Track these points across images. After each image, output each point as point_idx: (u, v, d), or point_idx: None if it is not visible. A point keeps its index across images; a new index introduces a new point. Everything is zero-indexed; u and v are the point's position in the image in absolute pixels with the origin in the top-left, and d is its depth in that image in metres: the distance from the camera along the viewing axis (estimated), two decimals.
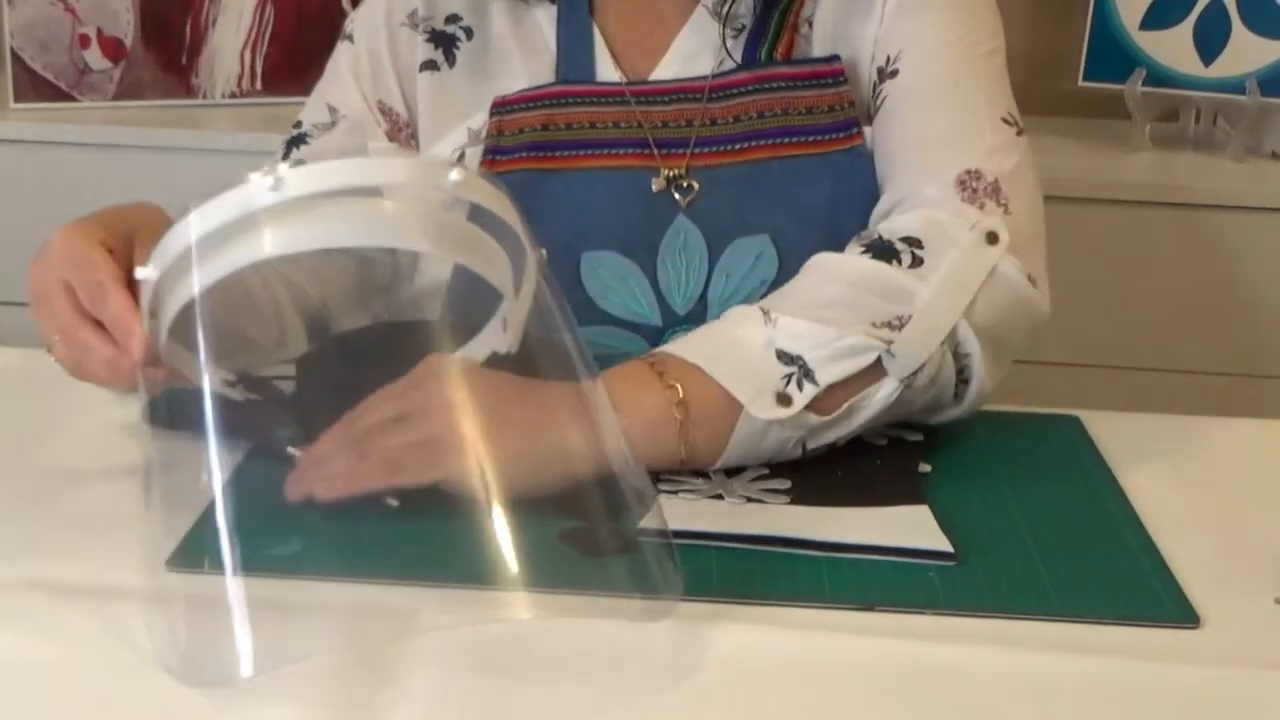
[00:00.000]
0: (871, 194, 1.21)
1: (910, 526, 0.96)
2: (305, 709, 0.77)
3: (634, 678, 0.81)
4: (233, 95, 2.27)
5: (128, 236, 0.98)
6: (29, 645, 0.82)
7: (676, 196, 1.23)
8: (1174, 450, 1.12)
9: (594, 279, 1.22)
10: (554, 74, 1.28)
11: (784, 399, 1.01)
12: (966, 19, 1.22)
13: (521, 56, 1.29)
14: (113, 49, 2.21)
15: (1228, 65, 2.21)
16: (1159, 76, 2.23)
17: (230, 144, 2.12)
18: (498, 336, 0.95)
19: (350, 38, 1.33)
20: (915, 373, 1.04)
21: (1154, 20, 2.24)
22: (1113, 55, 2.24)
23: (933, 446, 1.09)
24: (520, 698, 0.78)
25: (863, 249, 1.09)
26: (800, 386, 1.02)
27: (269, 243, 0.83)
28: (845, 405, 1.03)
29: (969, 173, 1.13)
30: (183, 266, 0.85)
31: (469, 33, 1.30)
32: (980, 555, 0.94)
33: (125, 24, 2.21)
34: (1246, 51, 2.20)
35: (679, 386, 1.01)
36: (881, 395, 1.04)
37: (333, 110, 1.32)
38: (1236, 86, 2.19)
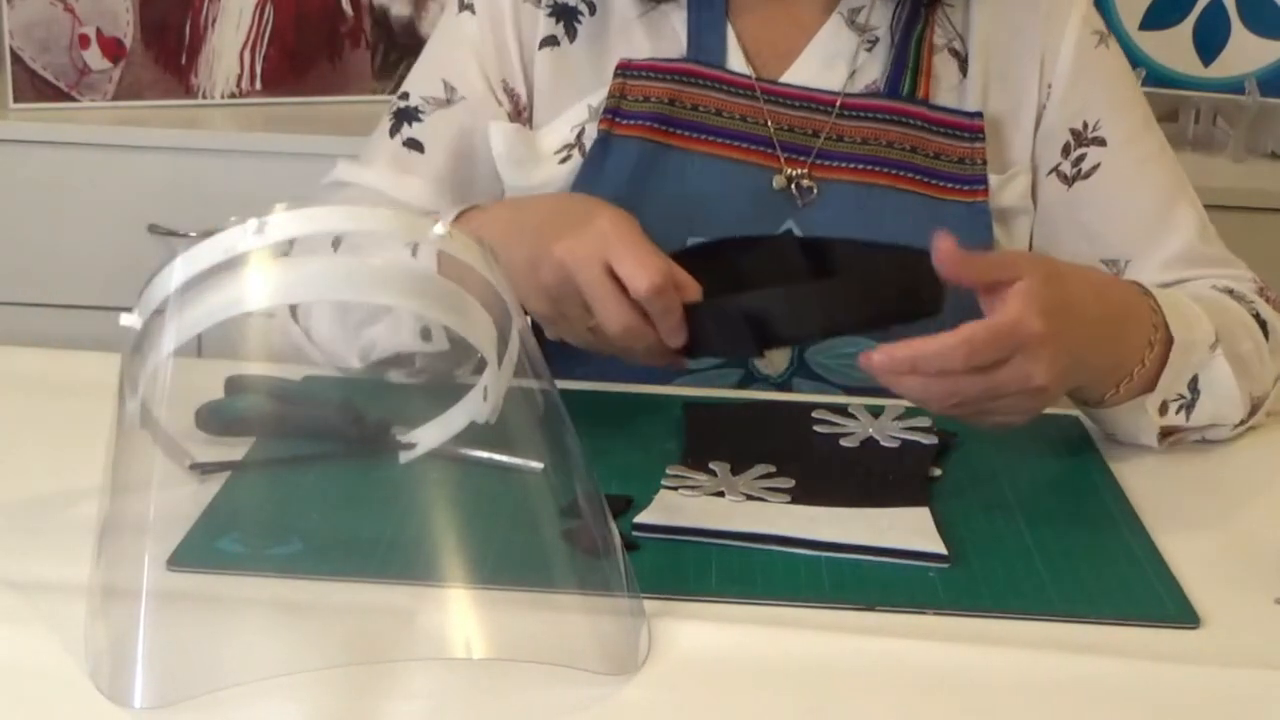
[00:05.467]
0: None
1: (907, 528, 0.96)
2: (305, 708, 0.77)
3: (630, 676, 0.81)
4: (232, 95, 2.27)
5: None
6: (30, 645, 0.82)
7: (795, 195, 1.24)
8: (1174, 450, 1.12)
9: None
10: (683, 56, 1.27)
11: (1163, 408, 1.09)
12: (1136, 85, 1.31)
13: (648, 37, 1.28)
14: (112, 49, 2.21)
15: (1227, 65, 2.21)
16: (1159, 76, 2.23)
17: (230, 144, 2.12)
18: (477, 405, 0.93)
19: (471, 8, 1.30)
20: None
21: (1154, 20, 2.24)
22: None
23: (938, 448, 1.08)
24: (519, 697, 0.78)
25: (1252, 315, 1.18)
26: (1178, 411, 1.10)
27: (249, 295, 0.82)
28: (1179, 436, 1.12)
29: (1263, 281, 1.25)
30: (165, 315, 0.82)
31: (591, 7, 1.28)
32: (980, 555, 0.94)
33: (125, 24, 2.21)
34: (1246, 51, 2.20)
35: (1153, 350, 1.08)
36: (1196, 437, 1.14)
37: (450, 88, 1.29)
38: (1236, 86, 2.19)
